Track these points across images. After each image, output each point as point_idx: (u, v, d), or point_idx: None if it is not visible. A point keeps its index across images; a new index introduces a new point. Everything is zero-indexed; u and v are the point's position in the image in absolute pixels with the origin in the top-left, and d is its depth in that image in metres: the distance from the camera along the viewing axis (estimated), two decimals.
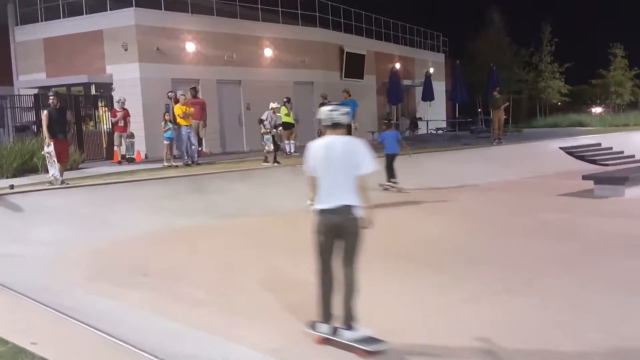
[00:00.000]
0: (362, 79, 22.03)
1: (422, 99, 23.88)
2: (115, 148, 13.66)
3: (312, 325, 3.92)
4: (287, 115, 14.11)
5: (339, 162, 3.75)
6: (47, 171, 9.44)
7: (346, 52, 21.08)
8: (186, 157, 12.30)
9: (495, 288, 5.01)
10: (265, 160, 11.87)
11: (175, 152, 12.55)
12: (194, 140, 12.51)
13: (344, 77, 20.97)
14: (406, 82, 25.01)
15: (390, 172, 10.99)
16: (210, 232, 7.91)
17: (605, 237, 6.81)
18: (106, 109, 15.13)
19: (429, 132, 22.32)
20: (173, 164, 12.02)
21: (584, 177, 10.54)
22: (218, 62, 16.85)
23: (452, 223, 8.14)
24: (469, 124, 23.44)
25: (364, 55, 22.13)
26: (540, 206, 9.20)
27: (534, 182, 12.42)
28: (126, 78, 15.17)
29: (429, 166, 12.82)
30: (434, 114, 24.64)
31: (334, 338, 3.79)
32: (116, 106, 13.55)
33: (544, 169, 13.67)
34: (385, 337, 3.75)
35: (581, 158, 15.56)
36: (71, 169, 11.07)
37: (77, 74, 15.43)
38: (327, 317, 3.85)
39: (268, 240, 7.45)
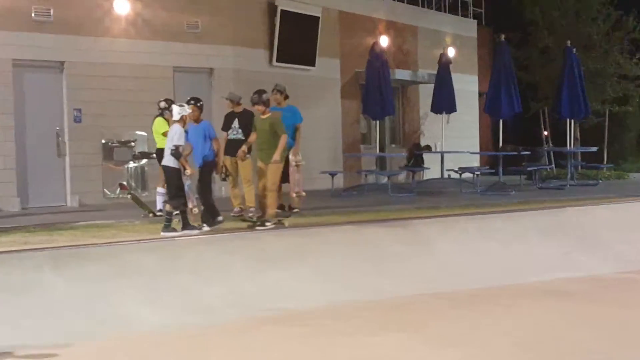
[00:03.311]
0: (314, 65, 22.37)
1: (432, 110, 24.38)
2: None
3: None
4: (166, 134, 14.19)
5: None
6: None
7: (281, 10, 21.44)
8: None
9: None
10: (192, 224, 12.27)
11: None
12: None
13: (277, 60, 21.25)
14: (401, 73, 25.47)
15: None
16: None
17: None
18: None
19: (447, 174, 22.78)
20: None
21: None
22: (19, 26, 16.79)
23: None
24: (525, 160, 23.95)
25: (318, 18, 22.57)
26: None
27: None
28: None
29: (444, 246, 13.06)
30: (456, 139, 25.11)
31: None
32: None
33: None
34: None
35: None
36: None
37: None
38: None
39: None
